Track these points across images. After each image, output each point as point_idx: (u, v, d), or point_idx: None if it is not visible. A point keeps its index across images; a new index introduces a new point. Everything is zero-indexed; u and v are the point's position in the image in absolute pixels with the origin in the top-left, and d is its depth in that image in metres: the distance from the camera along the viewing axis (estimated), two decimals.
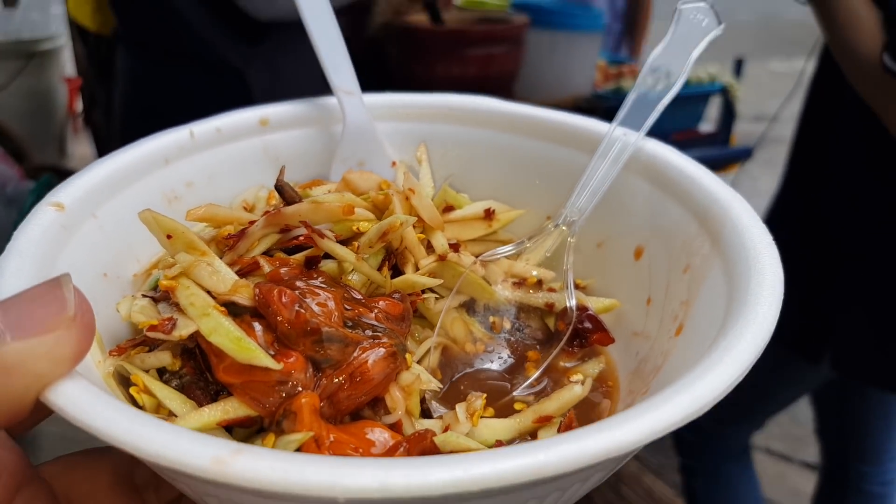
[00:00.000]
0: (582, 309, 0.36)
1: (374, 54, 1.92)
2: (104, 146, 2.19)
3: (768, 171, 1.43)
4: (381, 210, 0.36)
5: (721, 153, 2.28)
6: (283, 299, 0.27)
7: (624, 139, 0.37)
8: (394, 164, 0.42)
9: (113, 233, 0.33)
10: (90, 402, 0.21)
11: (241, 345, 0.25)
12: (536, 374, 0.34)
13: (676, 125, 2.29)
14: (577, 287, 0.38)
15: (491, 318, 0.37)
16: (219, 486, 0.20)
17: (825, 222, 1.30)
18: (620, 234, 0.38)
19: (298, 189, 0.36)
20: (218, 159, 0.39)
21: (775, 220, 1.41)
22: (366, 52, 1.96)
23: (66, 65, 2.16)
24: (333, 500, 0.18)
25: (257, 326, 0.27)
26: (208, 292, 0.28)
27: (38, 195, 1.27)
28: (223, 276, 0.28)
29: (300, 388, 0.26)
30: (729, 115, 2.25)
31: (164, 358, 0.27)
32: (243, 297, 0.27)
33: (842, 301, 1.28)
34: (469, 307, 0.36)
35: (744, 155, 2.21)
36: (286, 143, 0.41)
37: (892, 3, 1.01)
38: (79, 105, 2.39)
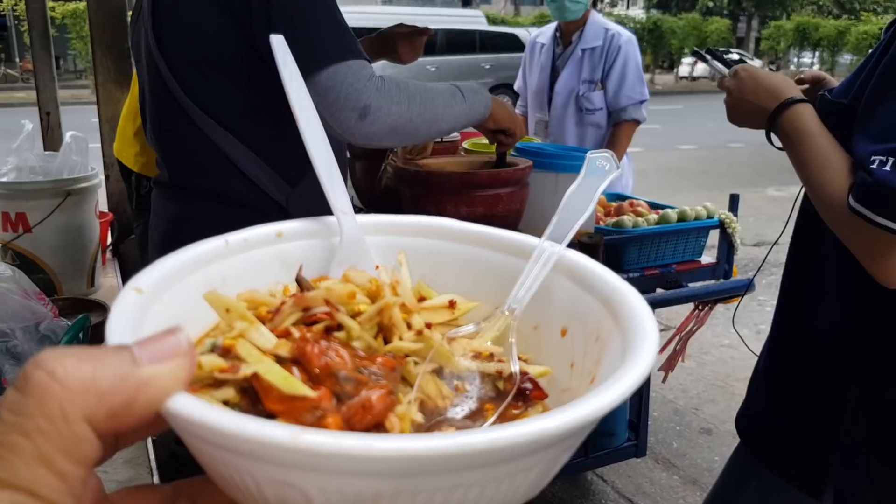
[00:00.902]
0: (524, 374, 0.48)
1: (390, 195, 2.06)
2: (132, 276, 2.27)
3: (775, 294, 1.51)
4: (373, 297, 0.48)
5: (724, 287, 2.39)
6: (315, 350, 0.38)
7: (550, 249, 0.51)
8: (377, 267, 0.55)
9: (173, 312, 0.44)
10: (199, 407, 0.31)
11: (287, 381, 0.36)
12: (492, 419, 0.45)
13: (678, 258, 2.40)
14: (519, 358, 0.50)
15: (455, 382, 0.48)
16: (291, 457, 0.30)
17: (820, 347, 1.32)
18: (550, 319, 0.51)
19: (311, 282, 0.48)
20: (245, 262, 0.51)
21: (774, 345, 1.46)
22: (382, 195, 2.12)
23: (100, 199, 2.25)
24: (369, 458, 0.29)
25: (295, 370, 0.38)
26: (258, 349, 0.39)
27: (73, 335, 1.35)
28: (268, 338, 0.40)
29: (327, 413, 0.36)
30: (729, 247, 2.40)
31: (228, 393, 0.37)
32: (284, 351, 0.39)
33: (841, 429, 1.26)
34: (439, 373, 0.48)
35: (745, 287, 2.33)
36: (296, 250, 0.53)
37: (858, 150, 1.12)
38: (109, 238, 2.49)
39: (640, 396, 2.79)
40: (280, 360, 0.38)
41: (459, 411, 0.46)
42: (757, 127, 1.32)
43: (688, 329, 2.45)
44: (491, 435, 0.30)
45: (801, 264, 1.40)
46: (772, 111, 1.26)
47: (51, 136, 2.89)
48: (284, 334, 0.41)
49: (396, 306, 0.45)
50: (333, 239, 0.54)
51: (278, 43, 0.56)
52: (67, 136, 2.15)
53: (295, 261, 0.53)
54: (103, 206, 2.43)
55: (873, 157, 1.06)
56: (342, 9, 1.46)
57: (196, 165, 1.58)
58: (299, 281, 0.47)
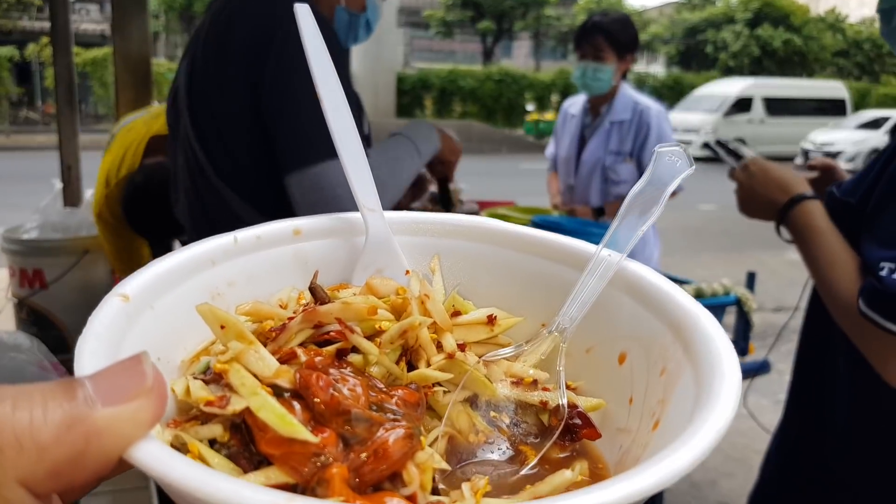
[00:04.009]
0: (572, 407, 0.41)
1: None
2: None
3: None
4: (398, 312, 0.41)
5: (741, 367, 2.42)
6: (320, 383, 0.31)
7: (609, 259, 0.43)
8: (407, 272, 0.48)
9: (166, 322, 0.38)
10: (167, 459, 0.25)
11: (284, 420, 0.30)
12: (532, 462, 0.38)
13: None
14: (568, 388, 0.42)
15: (492, 413, 0.41)
16: None
17: (832, 448, 1.31)
18: (606, 342, 0.43)
19: (328, 291, 0.41)
20: (256, 263, 0.44)
21: (784, 436, 1.44)
22: None
23: None
24: None
25: (296, 406, 0.31)
26: (255, 376, 0.32)
27: None
28: (268, 363, 0.33)
29: (332, 460, 0.30)
30: (745, 325, 2.37)
31: (215, 430, 0.31)
32: (285, 381, 0.32)
33: None
34: (472, 402, 0.41)
35: (762, 368, 2.29)
36: (315, 250, 0.47)
37: (867, 255, 1.13)
38: None
39: None
40: (279, 392, 0.32)
41: (496, 452, 0.39)
42: (767, 219, 1.36)
43: None
44: None
45: (812, 358, 1.42)
46: (781, 206, 1.30)
47: (71, 190, 2.89)
48: (290, 356, 0.35)
49: (425, 327, 0.38)
50: (358, 238, 0.48)
51: (303, 12, 0.49)
52: (88, 193, 2.15)
53: (314, 263, 0.46)
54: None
55: (882, 264, 1.07)
56: None
57: None
58: (314, 290, 0.40)
